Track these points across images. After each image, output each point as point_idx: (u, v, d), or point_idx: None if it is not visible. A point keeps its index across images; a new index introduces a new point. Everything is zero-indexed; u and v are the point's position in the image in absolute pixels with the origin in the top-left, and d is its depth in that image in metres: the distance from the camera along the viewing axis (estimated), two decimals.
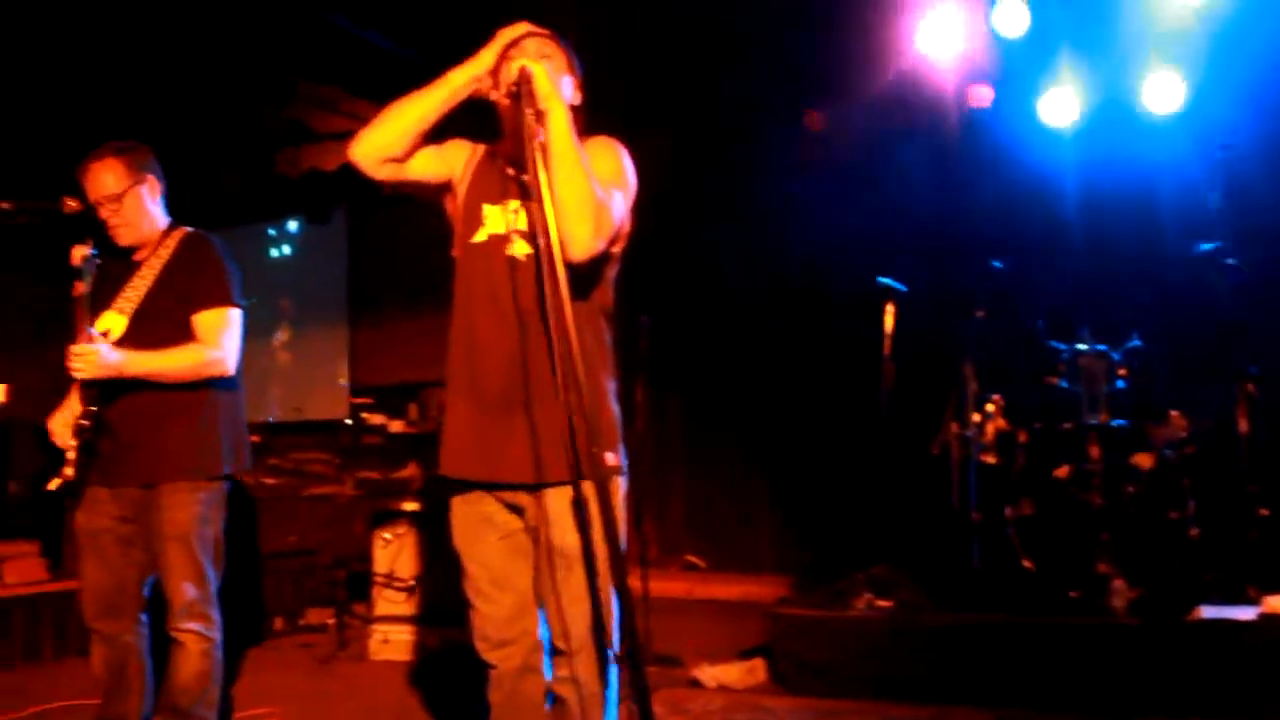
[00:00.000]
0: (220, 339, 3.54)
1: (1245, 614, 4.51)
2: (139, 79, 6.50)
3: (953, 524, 5.61)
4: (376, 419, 7.96)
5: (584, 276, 2.69)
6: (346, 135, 7.93)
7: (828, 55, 5.97)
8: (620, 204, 2.75)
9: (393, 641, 5.86)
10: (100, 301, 3.51)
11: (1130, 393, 5.38)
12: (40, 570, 6.50)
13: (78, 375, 3.36)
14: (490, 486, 2.79)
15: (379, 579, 6.00)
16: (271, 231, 7.78)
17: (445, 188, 2.92)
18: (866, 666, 4.75)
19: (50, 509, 8.54)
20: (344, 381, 8.23)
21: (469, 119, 2.84)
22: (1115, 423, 5.24)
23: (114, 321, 3.49)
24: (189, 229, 3.72)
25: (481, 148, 2.93)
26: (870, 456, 6.15)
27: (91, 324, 3.41)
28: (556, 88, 2.64)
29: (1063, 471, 5.20)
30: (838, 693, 4.64)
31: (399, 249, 8.25)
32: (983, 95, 6.15)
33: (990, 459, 5.57)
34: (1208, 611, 4.58)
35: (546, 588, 2.74)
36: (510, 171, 2.82)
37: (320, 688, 5.27)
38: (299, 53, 6.48)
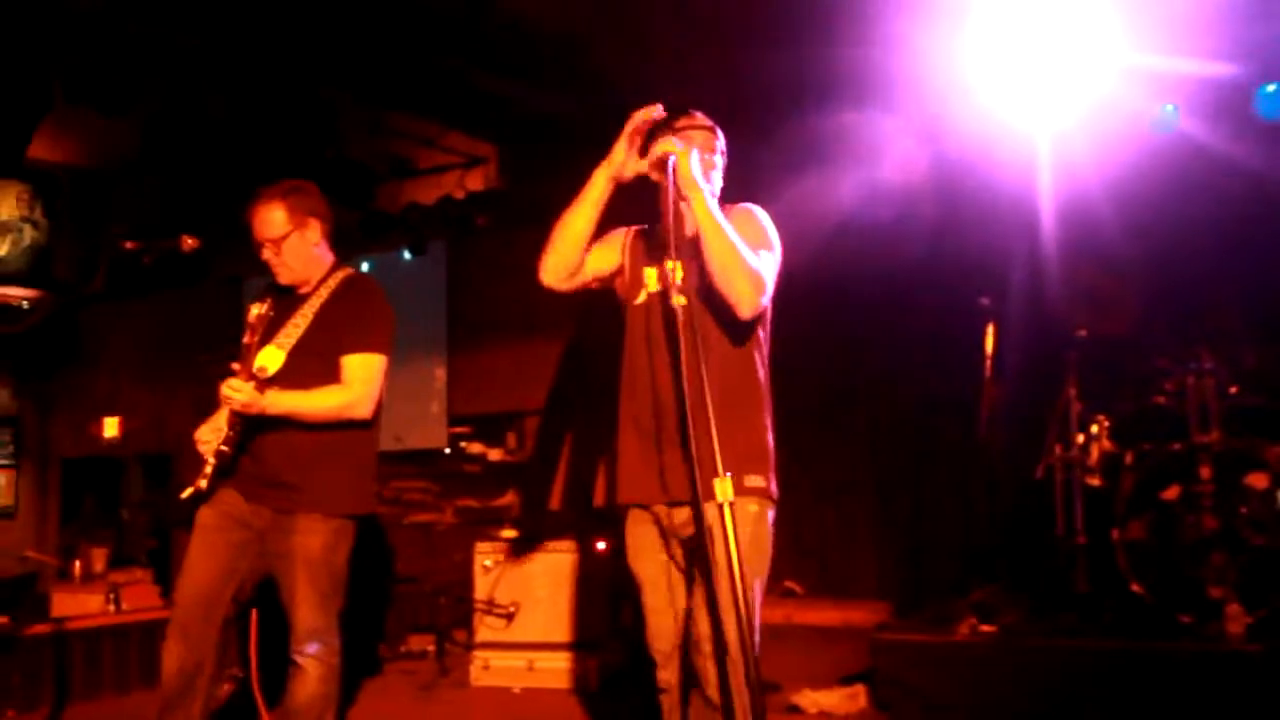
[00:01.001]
0: (364, 384, 3.65)
1: None
2: (244, 115, 6.71)
3: (1057, 548, 5.50)
4: (475, 448, 8.06)
5: (740, 326, 3.05)
6: (443, 169, 8.18)
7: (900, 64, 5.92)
8: (770, 264, 3.08)
9: (493, 668, 5.92)
10: (264, 336, 3.65)
11: (1241, 411, 5.23)
12: (154, 597, 6.70)
13: (227, 406, 3.51)
14: (674, 503, 3.04)
15: (479, 605, 6.07)
16: (372, 264, 7.94)
17: (618, 272, 3.31)
18: (969, 692, 4.67)
19: (161, 538, 8.84)
20: (442, 411, 8.35)
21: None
22: (1227, 443, 5.09)
23: (272, 357, 3.59)
24: (353, 270, 3.87)
25: (634, 228, 3.33)
26: (973, 479, 6.08)
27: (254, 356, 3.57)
28: (694, 173, 2.94)
29: (1172, 493, 5.06)
30: (940, 718, 4.57)
31: (496, 281, 8.35)
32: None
33: (1096, 481, 5.46)
34: None
35: (700, 598, 2.94)
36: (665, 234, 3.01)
37: (423, 712, 5.34)
38: (395, 88, 6.64)
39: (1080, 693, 4.50)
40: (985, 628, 4.99)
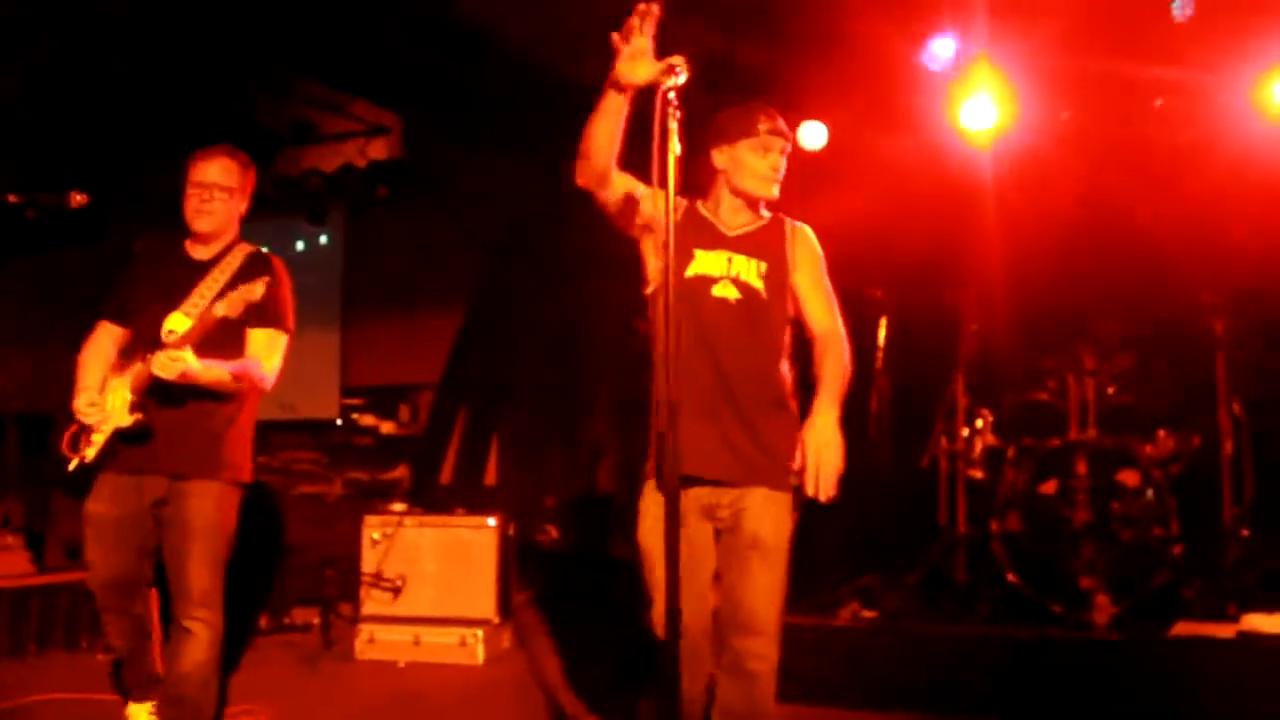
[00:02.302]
0: (273, 358, 3.73)
1: (1224, 631, 4.57)
2: (139, 76, 6.51)
3: (939, 537, 5.67)
4: (367, 420, 7.98)
5: (785, 325, 3.23)
6: (345, 137, 8.04)
7: (830, 65, 6.00)
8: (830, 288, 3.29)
9: (378, 641, 5.88)
10: (165, 299, 3.65)
11: (1118, 411, 5.44)
12: (25, 563, 6.50)
13: (161, 374, 3.47)
14: (700, 482, 3.09)
15: (366, 579, 6.02)
16: (269, 229, 7.79)
17: (646, 227, 3.23)
18: (851, 676, 4.78)
19: (35, 502, 8.56)
20: (335, 381, 8.24)
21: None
22: (1102, 440, 5.30)
23: (179, 323, 3.59)
24: (255, 247, 3.87)
25: (685, 200, 3.23)
26: (858, 469, 6.19)
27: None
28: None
29: (1049, 487, 5.25)
30: (823, 700, 4.66)
31: (394, 252, 8.27)
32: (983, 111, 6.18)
33: (978, 474, 5.63)
34: (1188, 628, 4.65)
35: (737, 574, 3.12)
36: (714, 229, 3.27)
37: (306, 687, 5.28)
38: (298, 51, 6.50)
39: (957, 676, 4.65)
40: (867, 613, 5.13)
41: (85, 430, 3.64)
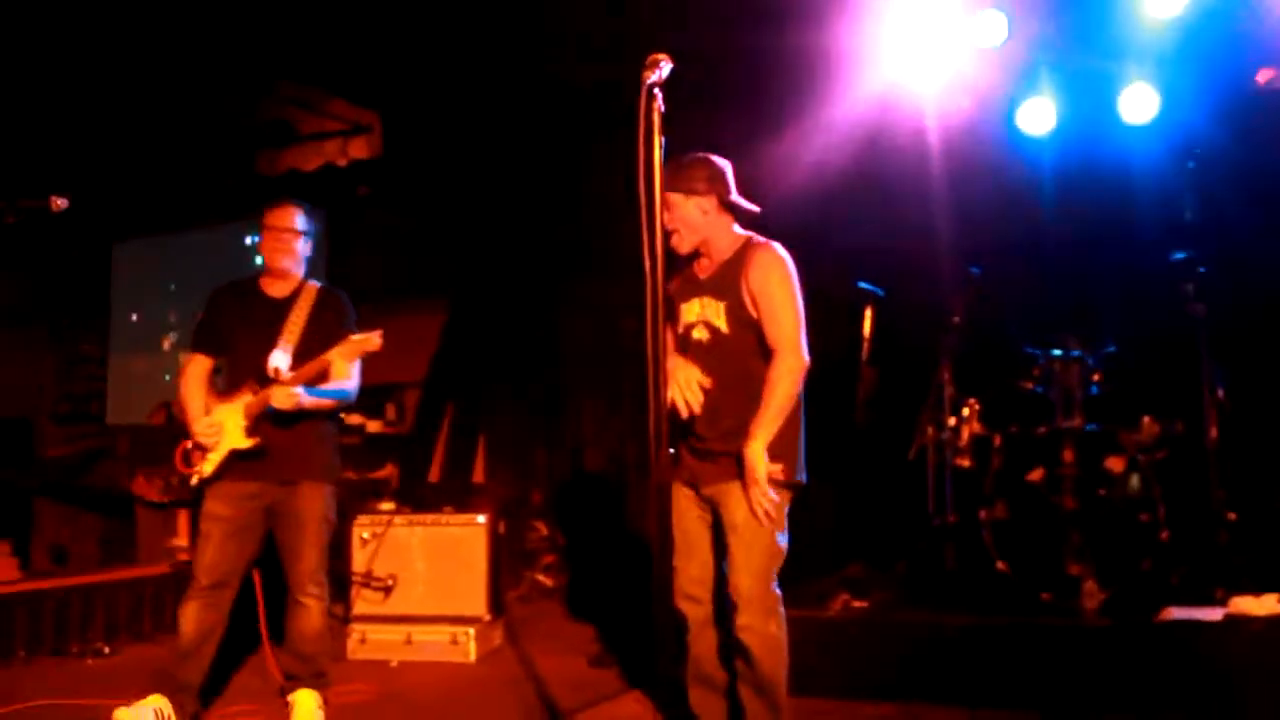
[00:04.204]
0: (355, 379, 4.47)
1: (1211, 615, 4.60)
2: (122, 77, 6.48)
3: (928, 527, 5.69)
4: (354, 419, 7.95)
5: (759, 349, 3.64)
6: (325, 136, 8.02)
7: (809, 60, 6.01)
8: (798, 309, 3.66)
9: (370, 641, 5.87)
10: (258, 335, 4.37)
11: (1104, 398, 5.46)
12: (12, 570, 6.48)
13: (281, 407, 4.22)
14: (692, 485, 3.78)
15: (357, 578, 6.01)
16: (251, 232, 7.77)
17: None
18: (842, 666, 4.79)
19: (18, 509, 8.52)
20: None
21: None
22: (1089, 427, 5.33)
23: (281, 360, 4.32)
24: (321, 284, 4.59)
25: (673, 283, 3.81)
26: (848, 460, 6.22)
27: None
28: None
29: (1036, 475, 5.27)
30: (814, 691, 4.67)
31: (377, 251, 8.26)
32: (962, 103, 6.21)
33: (965, 463, 5.65)
34: (1175, 613, 4.67)
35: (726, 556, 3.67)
36: (698, 278, 3.80)
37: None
38: (280, 52, 6.48)
39: (947, 666, 4.67)
40: (857, 604, 5.14)
41: (197, 449, 4.35)
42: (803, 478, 3.73)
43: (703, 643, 3.81)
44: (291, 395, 4.23)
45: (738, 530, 3.62)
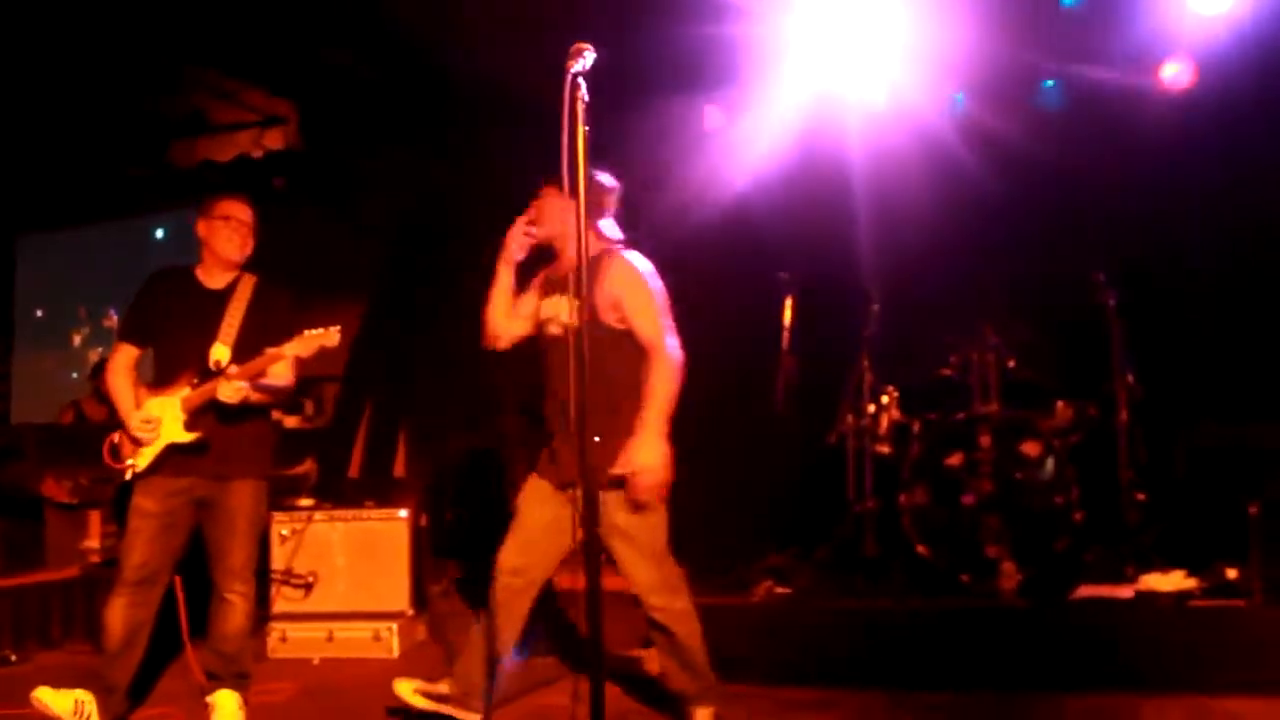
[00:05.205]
0: (293, 372, 4.40)
1: (1123, 592, 4.73)
2: (26, 62, 6.30)
3: (849, 513, 5.75)
4: (272, 415, 7.81)
5: (618, 346, 3.80)
6: (240, 127, 7.86)
7: (729, 49, 6.03)
8: (658, 311, 3.83)
9: (291, 639, 5.79)
10: (196, 328, 4.29)
11: (1019, 384, 5.57)
12: None
13: (227, 401, 4.15)
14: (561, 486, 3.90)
15: (276, 576, 5.92)
16: (166, 229, 7.62)
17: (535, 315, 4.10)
18: (767, 651, 4.84)
19: None
20: None
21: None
22: (1004, 413, 5.43)
23: (222, 353, 4.27)
24: (258, 275, 4.52)
25: (538, 278, 4.12)
26: (769, 447, 6.26)
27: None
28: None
29: (954, 460, 5.36)
30: (738, 678, 4.69)
31: (291, 245, 8.10)
32: (883, 96, 6.28)
33: (885, 449, 5.73)
34: (1089, 591, 4.79)
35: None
36: (556, 277, 4.01)
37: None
38: (193, 39, 6.34)
39: (869, 649, 4.74)
40: (780, 590, 5.19)
41: (127, 442, 4.24)
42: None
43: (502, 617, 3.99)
44: (239, 389, 4.16)
45: (619, 529, 3.75)
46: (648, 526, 3.79)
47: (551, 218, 3.93)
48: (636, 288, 3.84)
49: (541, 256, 4.14)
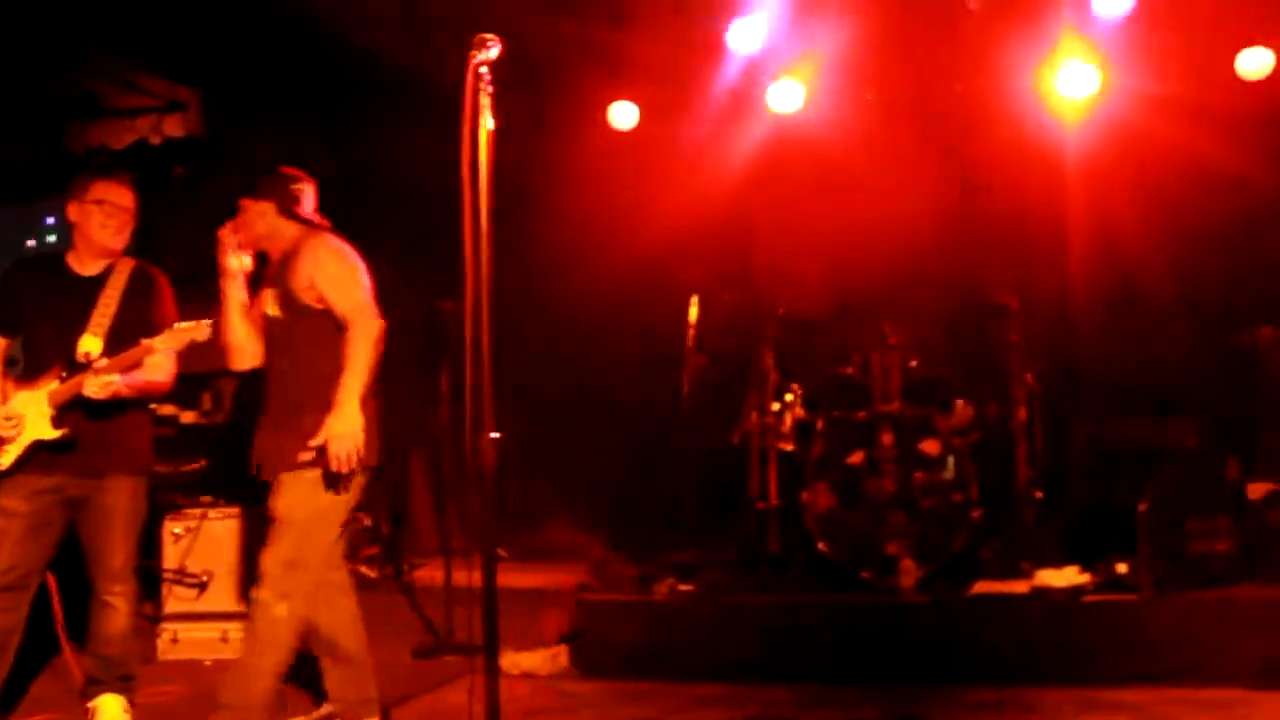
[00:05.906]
0: (173, 363, 4.20)
1: (1019, 587, 4.82)
2: None
3: (752, 510, 5.77)
4: (167, 409, 7.59)
5: (323, 330, 3.78)
6: (138, 112, 7.64)
7: (643, 50, 6.03)
8: (359, 281, 3.84)
9: (183, 640, 5.63)
10: (64, 318, 4.10)
11: (920, 384, 5.65)
12: None
13: (94, 396, 3.95)
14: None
15: (168, 576, 5.75)
16: (53, 210, 7.34)
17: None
18: (670, 649, 4.85)
19: None
20: None
21: None
22: (905, 412, 5.49)
23: (93, 344, 4.07)
24: (135, 261, 4.35)
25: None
26: (675, 445, 6.27)
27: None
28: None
29: (856, 458, 5.42)
30: (642, 675, 4.71)
31: (195, 234, 7.90)
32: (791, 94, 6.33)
33: (788, 447, 5.77)
34: (986, 587, 4.88)
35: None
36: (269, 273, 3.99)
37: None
38: (89, 20, 6.14)
39: (772, 643, 4.77)
40: (684, 586, 5.20)
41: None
42: (373, 460, 3.82)
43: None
44: (107, 384, 3.98)
45: (276, 515, 3.77)
46: (294, 526, 3.75)
47: (249, 223, 3.94)
48: (328, 263, 3.85)
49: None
